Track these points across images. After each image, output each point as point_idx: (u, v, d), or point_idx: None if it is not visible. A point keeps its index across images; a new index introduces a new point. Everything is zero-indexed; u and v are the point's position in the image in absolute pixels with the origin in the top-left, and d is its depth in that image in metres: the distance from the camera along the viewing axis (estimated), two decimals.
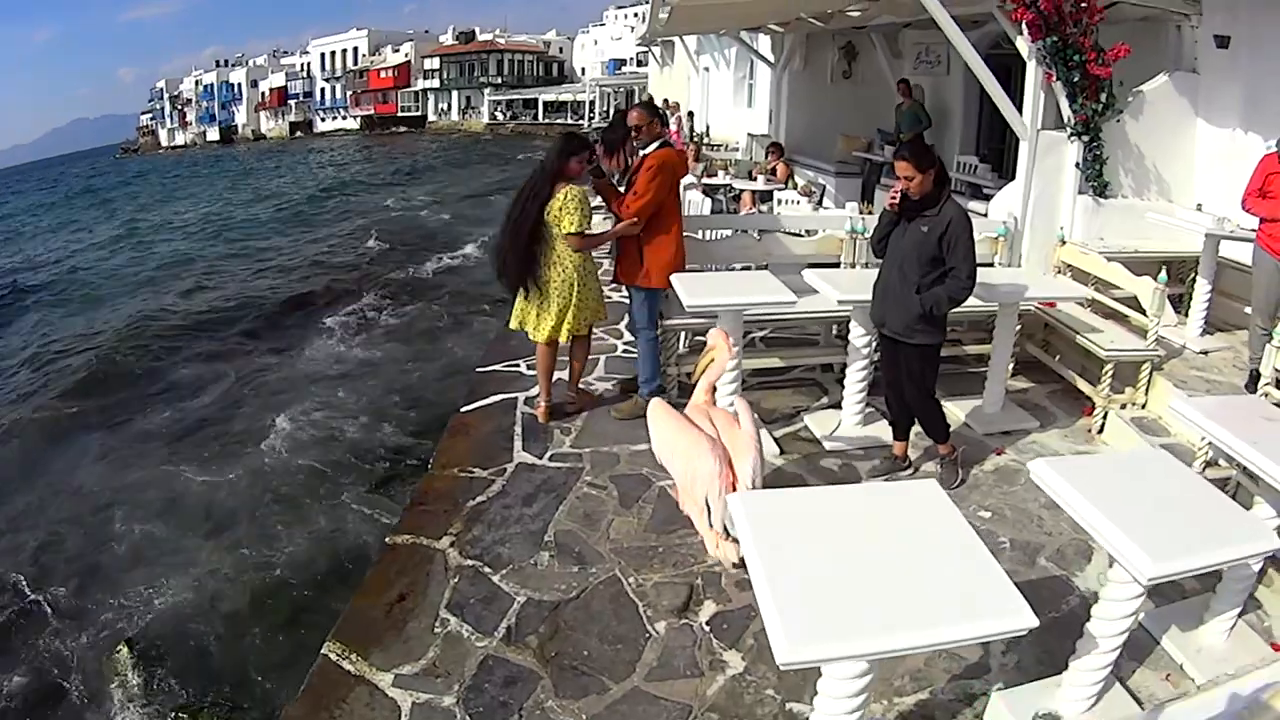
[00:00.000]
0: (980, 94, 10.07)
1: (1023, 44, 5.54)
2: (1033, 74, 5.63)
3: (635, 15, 49.39)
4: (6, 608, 5.51)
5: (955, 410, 4.63)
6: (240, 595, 5.20)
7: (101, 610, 5.28)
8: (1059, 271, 5.42)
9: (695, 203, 7.32)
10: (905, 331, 3.76)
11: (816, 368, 5.35)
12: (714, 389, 3.51)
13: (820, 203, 8.72)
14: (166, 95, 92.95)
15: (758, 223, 5.45)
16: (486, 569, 3.49)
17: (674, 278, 4.17)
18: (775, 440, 4.43)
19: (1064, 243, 5.51)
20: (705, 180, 10.28)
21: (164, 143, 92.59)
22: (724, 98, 19.19)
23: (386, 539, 3.84)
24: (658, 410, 3.38)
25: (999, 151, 9.36)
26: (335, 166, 42.96)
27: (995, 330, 4.56)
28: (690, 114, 17.39)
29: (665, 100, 17.81)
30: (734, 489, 3.03)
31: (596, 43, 65.01)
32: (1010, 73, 9.68)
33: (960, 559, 1.92)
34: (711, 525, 3.12)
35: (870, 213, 5.96)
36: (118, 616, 5.18)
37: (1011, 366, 4.89)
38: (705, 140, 15.00)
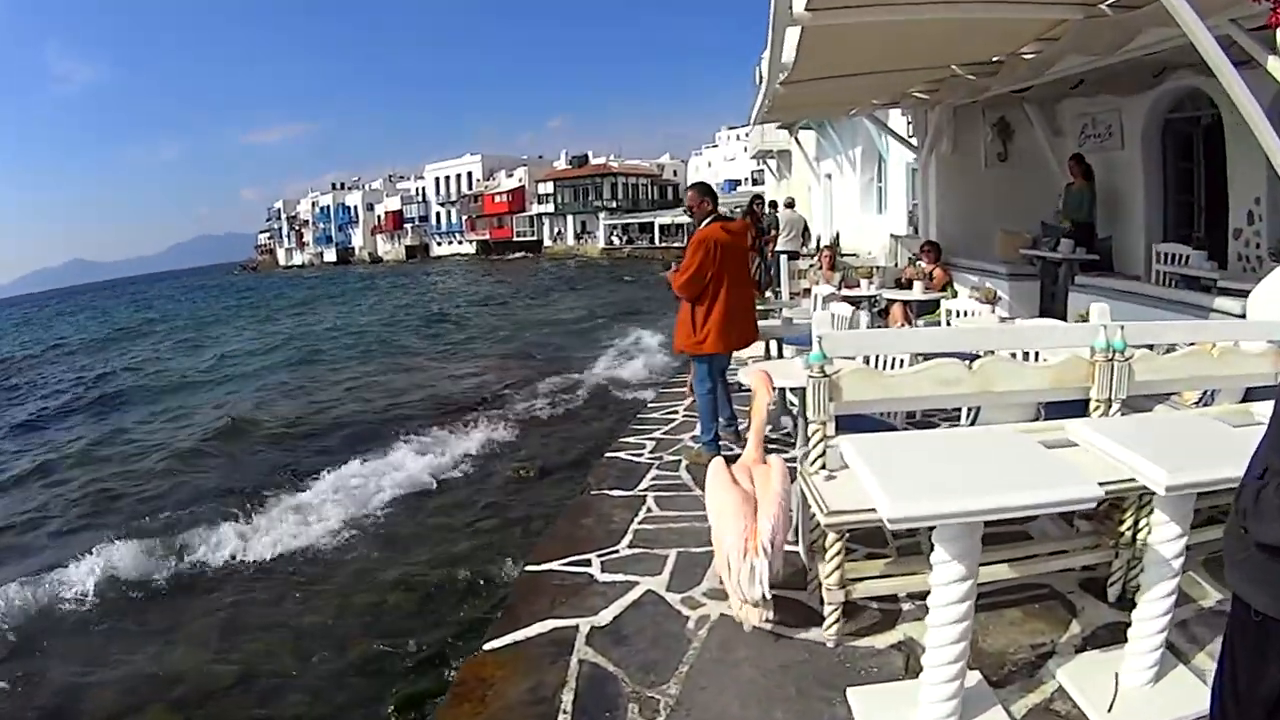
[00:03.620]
0: (1163, 170, 8.59)
1: (1276, 65, 4.19)
2: None
3: (747, 135, 50.21)
4: None
5: None
6: None
7: None
8: None
9: (844, 318, 6.03)
10: (1229, 568, 1.73)
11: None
12: (765, 442, 3.49)
13: (993, 311, 7.31)
14: (284, 215, 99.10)
15: (965, 340, 4.03)
16: None
17: (856, 464, 2.53)
18: None
19: None
20: (845, 291, 9.11)
21: (281, 262, 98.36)
22: (850, 204, 18.18)
23: None
24: (713, 468, 3.41)
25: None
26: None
27: None
28: (806, 228, 15.46)
29: (774, 202, 17.04)
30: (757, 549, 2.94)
31: (710, 164, 66.93)
32: (1191, 143, 8.27)
33: None
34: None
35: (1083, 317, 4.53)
36: None
37: None
38: (837, 248, 13.88)
